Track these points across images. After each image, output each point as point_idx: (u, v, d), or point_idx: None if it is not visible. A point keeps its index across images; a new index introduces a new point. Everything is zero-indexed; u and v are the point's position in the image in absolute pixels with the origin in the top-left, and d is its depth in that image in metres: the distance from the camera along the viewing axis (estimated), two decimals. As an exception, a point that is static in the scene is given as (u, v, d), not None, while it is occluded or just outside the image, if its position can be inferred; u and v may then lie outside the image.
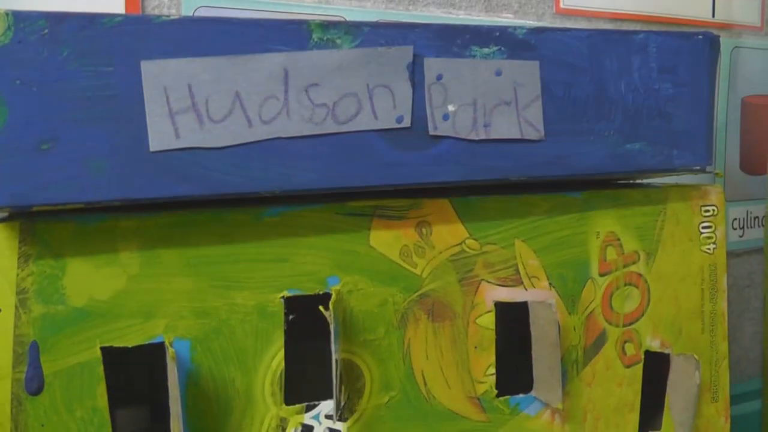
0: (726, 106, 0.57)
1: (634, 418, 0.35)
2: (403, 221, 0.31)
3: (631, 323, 0.34)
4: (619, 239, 0.34)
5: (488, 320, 0.32)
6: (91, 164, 0.26)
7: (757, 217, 0.58)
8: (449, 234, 0.31)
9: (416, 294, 0.31)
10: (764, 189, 0.43)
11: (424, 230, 0.31)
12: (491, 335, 0.32)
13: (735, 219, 0.57)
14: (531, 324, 0.32)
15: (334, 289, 0.29)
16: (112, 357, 0.28)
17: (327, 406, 0.30)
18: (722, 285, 0.36)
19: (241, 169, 0.27)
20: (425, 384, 0.31)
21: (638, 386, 0.34)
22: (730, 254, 0.56)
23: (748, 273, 0.57)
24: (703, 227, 0.36)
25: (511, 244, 0.32)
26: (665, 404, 0.35)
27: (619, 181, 0.38)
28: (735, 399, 0.53)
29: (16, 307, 0.27)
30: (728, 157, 0.57)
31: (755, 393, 0.50)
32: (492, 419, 0.33)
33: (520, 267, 0.33)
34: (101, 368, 0.28)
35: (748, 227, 0.57)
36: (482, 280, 0.32)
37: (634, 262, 0.34)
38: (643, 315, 0.35)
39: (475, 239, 0.32)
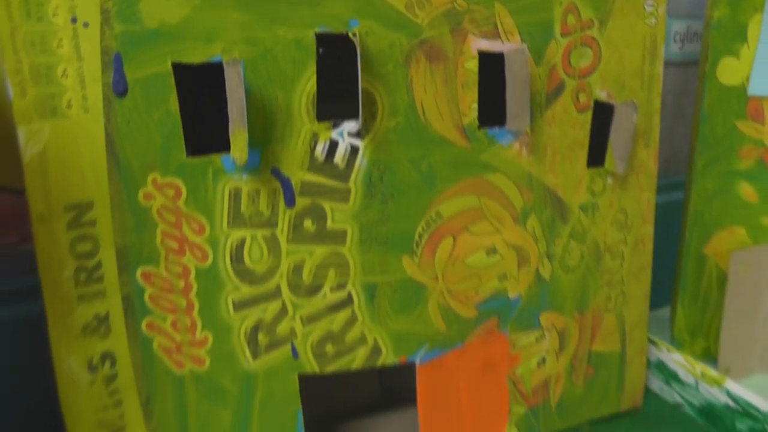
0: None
1: (583, 154, 0.44)
2: (408, -23, 0.38)
3: (584, 76, 0.43)
4: (578, 8, 0.42)
5: (473, 65, 0.40)
6: None
7: (696, 32, 0.66)
8: (444, -9, 0.39)
9: (417, 39, 0.39)
10: (704, 7, 0.51)
11: (424, -14, 0.38)
12: (475, 77, 0.40)
13: (677, 33, 0.66)
14: (507, 69, 0.40)
15: (355, 29, 0.37)
16: (181, 71, 0.35)
17: (348, 125, 0.38)
18: (660, 53, 0.45)
19: None
20: (423, 113, 0.40)
21: (588, 128, 0.44)
22: (669, 64, 0.65)
23: (684, 81, 0.67)
24: (648, 5, 0.44)
25: (491, 5, 0.40)
26: (608, 144, 0.44)
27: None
28: (664, 189, 0.64)
29: (101, 24, 0.33)
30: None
31: (681, 185, 0.60)
32: (474, 147, 0.42)
33: (498, 24, 0.40)
34: (172, 79, 0.35)
35: (687, 42, 0.66)
36: (469, 32, 0.40)
37: (589, 27, 0.42)
38: (594, 71, 0.43)
39: (465, -3, 0.39)
